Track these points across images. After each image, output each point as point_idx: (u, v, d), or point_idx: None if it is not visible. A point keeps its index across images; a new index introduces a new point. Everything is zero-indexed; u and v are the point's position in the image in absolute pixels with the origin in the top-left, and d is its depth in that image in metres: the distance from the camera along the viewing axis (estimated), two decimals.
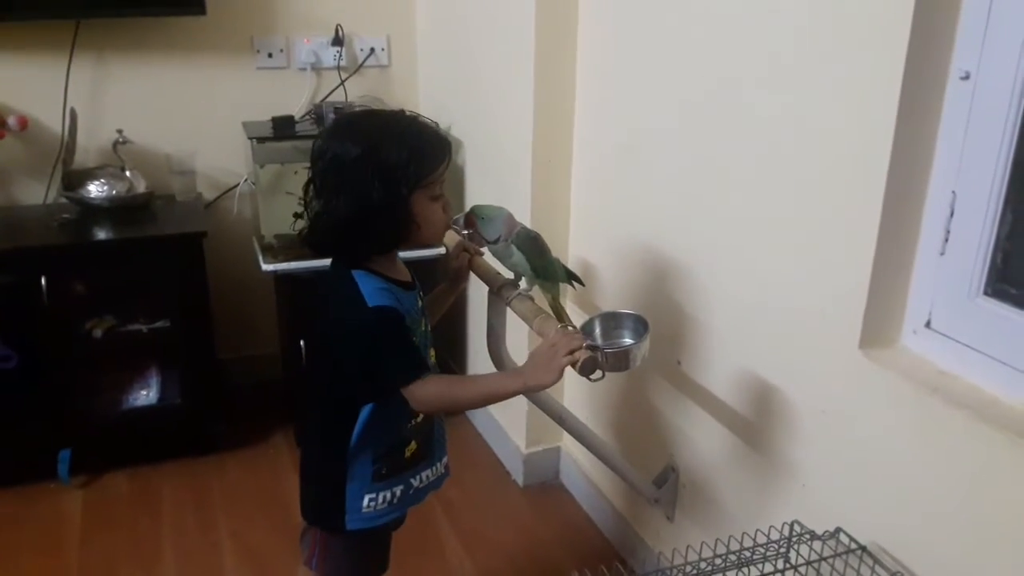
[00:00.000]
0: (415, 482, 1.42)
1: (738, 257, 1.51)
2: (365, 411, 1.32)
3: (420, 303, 1.38)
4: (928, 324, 1.23)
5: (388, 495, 1.38)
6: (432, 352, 1.42)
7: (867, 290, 1.24)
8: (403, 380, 1.25)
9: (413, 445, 1.39)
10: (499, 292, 1.56)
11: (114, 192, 2.39)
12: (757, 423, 1.52)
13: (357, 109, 1.35)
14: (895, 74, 1.14)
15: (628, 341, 1.37)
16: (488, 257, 1.57)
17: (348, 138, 1.25)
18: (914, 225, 1.22)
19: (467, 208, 1.55)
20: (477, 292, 2.49)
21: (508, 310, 1.58)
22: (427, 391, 1.26)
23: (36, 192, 2.48)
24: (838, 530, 1.30)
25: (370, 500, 1.36)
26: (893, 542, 1.24)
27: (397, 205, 1.24)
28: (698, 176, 1.60)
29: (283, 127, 2.43)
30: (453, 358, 2.76)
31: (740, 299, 1.52)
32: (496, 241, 1.47)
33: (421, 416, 1.38)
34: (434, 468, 1.46)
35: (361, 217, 1.24)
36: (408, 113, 1.33)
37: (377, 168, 1.23)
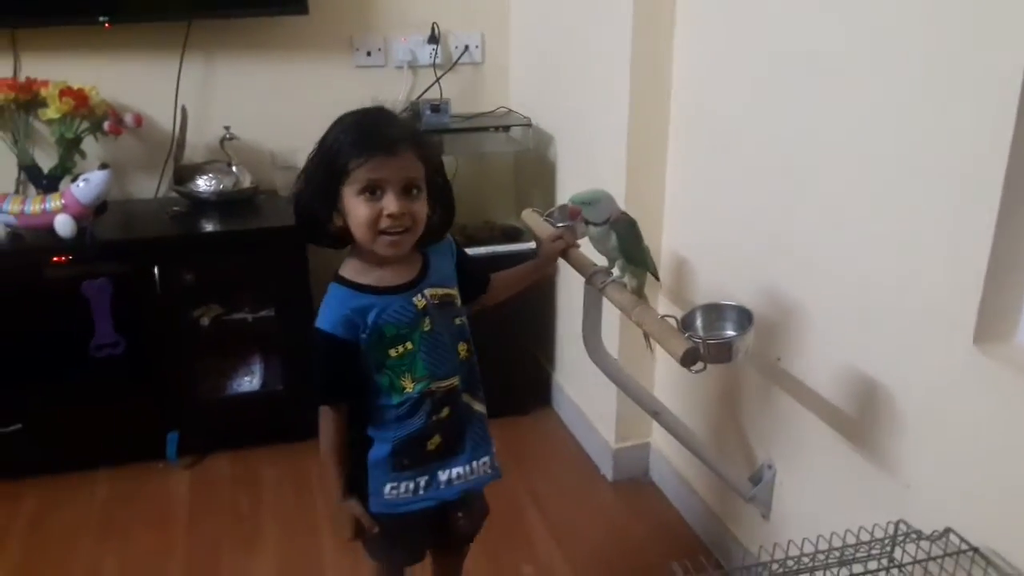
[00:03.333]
0: (443, 475, 1.40)
1: (843, 250, 1.48)
2: (379, 409, 1.36)
3: (420, 303, 1.34)
4: None
5: (411, 485, 1.39)
6: (463, 346, 1.40)
7: (983, 283, 1.20)
8: (316, 399, 1.36)
9: (437, 439, 1.38)
10: (591, 279, 1.57)
11: (221, 187, 2.49)
12: (860, 420, 1.49)
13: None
14: (1018, 57, 1.10)
15: (731, 333, 1.36)
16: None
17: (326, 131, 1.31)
18: None
19: (559, 202, 1.57)
20: (566, 282, 2.50)
21: (603, 301, 1.59)
22: (323, 419, 1.36)
23: (149, 186, 2.61)
24: (948, 530, 1.26)
25: (392, 488, 1.38)
26: (1008, 545, 1.20)
27: (322, 199, 1.28)
28: (800, 166, 1.57)
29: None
30: (541, 349, 2.77)
31: (845, 293, 1.49)
32: (604, 223, 1.48)
33: (446, 411, 1.37)
34: (470, 466, 1.43)
35: (299, 205, 1.31)
36: (384, 107, 1.35)
37: (317, 155, 1.29)
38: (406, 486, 1.39)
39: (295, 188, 1.32)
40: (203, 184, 2.48)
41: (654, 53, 1.95)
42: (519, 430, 2.59)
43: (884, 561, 1.30)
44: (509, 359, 2.59)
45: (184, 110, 2.50)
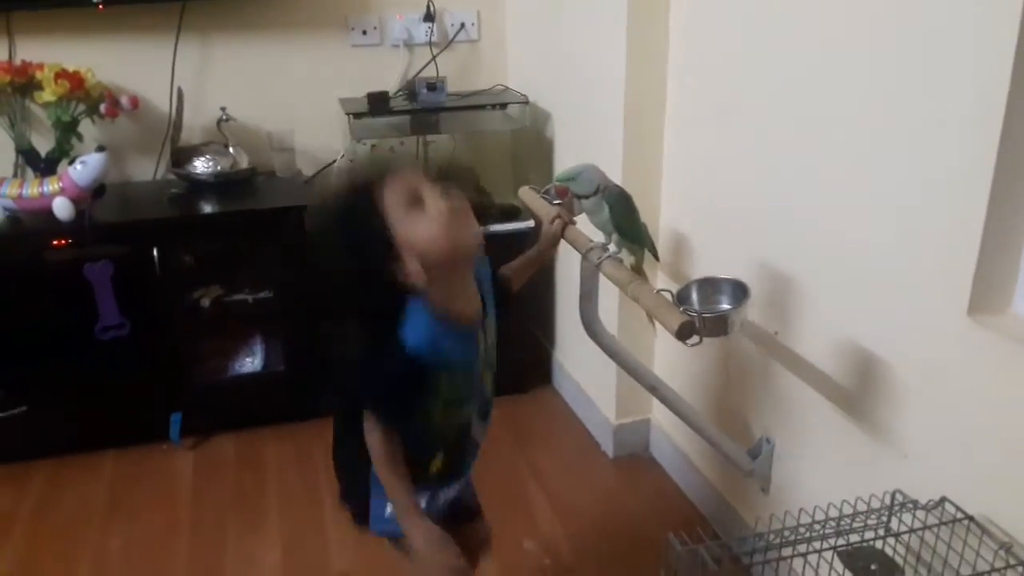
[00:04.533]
0: (442, 495, 1.38)
1: (839, 222, 1.48)
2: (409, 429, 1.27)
3: (483, 341, 1.29)
4: None
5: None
6: (488, 375, 1.35)
7: (977, 253, 1.20)
8: (378, 419, 1.22)
9: (439, 458, 1.33)
10: (587, 255, 1.57)
11: (219, 168, 2.49)
12: (857, 393, 1.49)
13: None
14: (1012, 24, 1.09)
15: (726, 306, 1.36)
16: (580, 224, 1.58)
17: None
18: None
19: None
20: (564, 259, 2.51)
21: (600, 277, 1.59)
22: (380, 445, 1.23)
23: (147, 168, 2.61)
24: (943, 499, 1.27)
25: (390, 509, 1.32)
26: (1002, 514, 1.21)
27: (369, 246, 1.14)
28: (797, 140, 1.57)
29: (378, 103, 2.48)
30: (541, 328, 2.78)
31: (840, 266, 1.49)
32: (594, 193, 1.48)
33: (454, 436, 1.33)
34: (461, 481, 1.43)
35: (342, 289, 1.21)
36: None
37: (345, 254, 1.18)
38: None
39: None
40: (200, 166, 2.48)
41: (650, 28, 1.94)
42: (520, 408, 2.60)
43: (881, 531, 1.31)
44: (509, 337, 2.56)
45: (180, 92, 2.49)
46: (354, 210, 1.16)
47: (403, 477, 1.25)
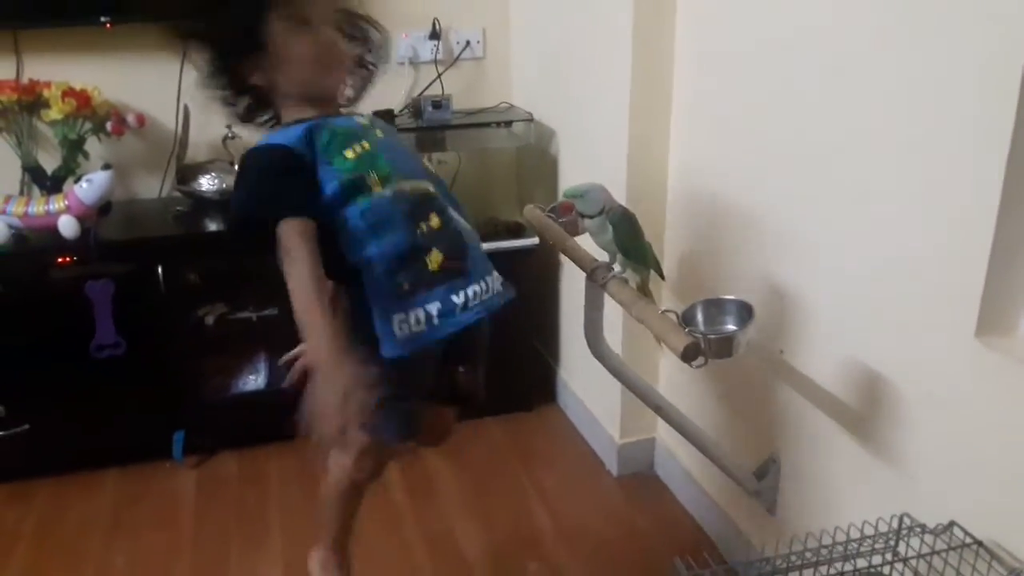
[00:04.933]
0: (456, 299, 1.27)
1: (846, 242, 1.48)
2: (350, 216, 1.22)
3: (363, 121, 1.33)
4: None
5: (422, 314, 1.24)
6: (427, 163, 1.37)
7: (984, 275, 1.19)
8: (269, 217, 1.17)
9: (436, 254, 1.25)
10: (592, 275, 1.57)
11: (224, 185, 2.49)
12: (864, 413, 1.48)
13: None
14: (1021, 46, 1.09)
15: (732, 327, 1.35)
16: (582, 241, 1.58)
17: None
18: None
19: (561, 197, 1.57)
20: (569, 278, 2.50)
21: (605, 297, 1.59)
22: (291, 248, 1.15)
23: (152, 186, 2.62)
24: (952, 524, 1.25)
25: (401, 321, 1.23)
26: (1012, 539, 1.19)
27: (247, 41, 1.20)
28: (803, 160, 1.57)
29: (383, 121, 2.48)
30: (545, 345, 2.77)
31: (847, 286, 1.48)
32: (599, 213, 1.48)
33: (435, 219, 1.26)
34: (482, 284, 1.32)
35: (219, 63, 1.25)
36: None
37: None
38: (416, 316, 1.24)
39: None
40: (206, 183, 2.48)
41: (655, 47, 1.94)
42: (524, 426, 2.59)
43: (888, 555, 1.30)
44: (513, 355, 2.59)
45: (187, 109, 2.50)
46: None
47: (322, 306, 1.18)
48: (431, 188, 1.31)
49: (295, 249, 1.16)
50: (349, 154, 1.23)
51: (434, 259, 1.25)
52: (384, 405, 1.19)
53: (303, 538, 2.09)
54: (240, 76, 1.27)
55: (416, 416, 1.40)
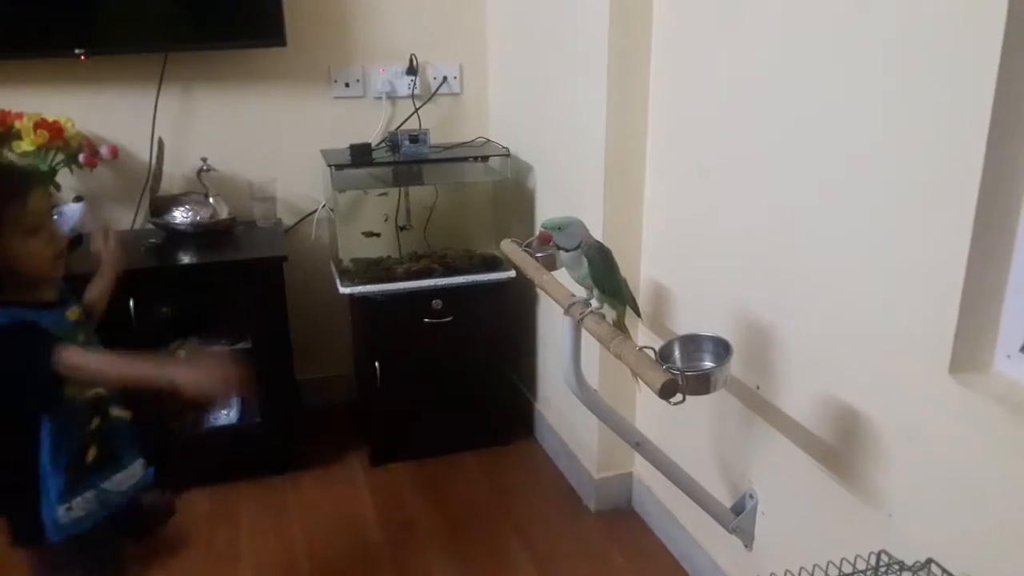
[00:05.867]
0: (109, 486, 1.48)
1: (820, 278, 1.49)
2: (47, 427, 1.39)
3: (73, 316, 1.47)
4: (1023, 348, 1.19)
5: (81, 501, 1.43)
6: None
7: (957, 313, 1.20)
8: (52, 370, 1.32)
9: (93, 450, 1.45)
10: (569, 310, 1.57)
11: (198, 218, 2.47)
12: (840, 450, 1.48)
13: None
14: (988, 87, 1.11)
15: (709, 364, 1.35)
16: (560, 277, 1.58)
17: None
18: (1007, 245, 1.18)
19: (538, 231, 1.57)
20: (547, 312, 2.50)
21: (583, 332, 1.58)
22: (71, 359, 1.33)
23: (125, 218, 2.59)
24: (929, 561, 1.25)
25: (66, 510, 1.41)
26: (989, 575, 1.20)
27: None
28: (778, 196, 1.58)
29: (360, 154, 2.49)
30: (523, 380, 2.76)
31: (823, 322, 1.49)
32: (575, 248, 1.48)
33: (96, 420, 1.45)
34: (129, 471, 1.53)
35: None
36: None
37: None
38: (77, 503, 1.42)
39: None
40: (180, 216, 2.47)
41: (631, 83, 1.97)
42: (502, 461, 2.57)
43: None
44: (491, 390, 2.58)
45: (161, 141, 2.48)
46: None
47: (111, 358, 1.40)
48: (103, 391, 1.49)
49: (94, 360, 1.40)
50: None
51: (91, 454, 1.45)
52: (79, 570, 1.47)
53: None
54: None
55: (117, 558, 1.57)
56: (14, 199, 1.35)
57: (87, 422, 1.45)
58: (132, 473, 1.54)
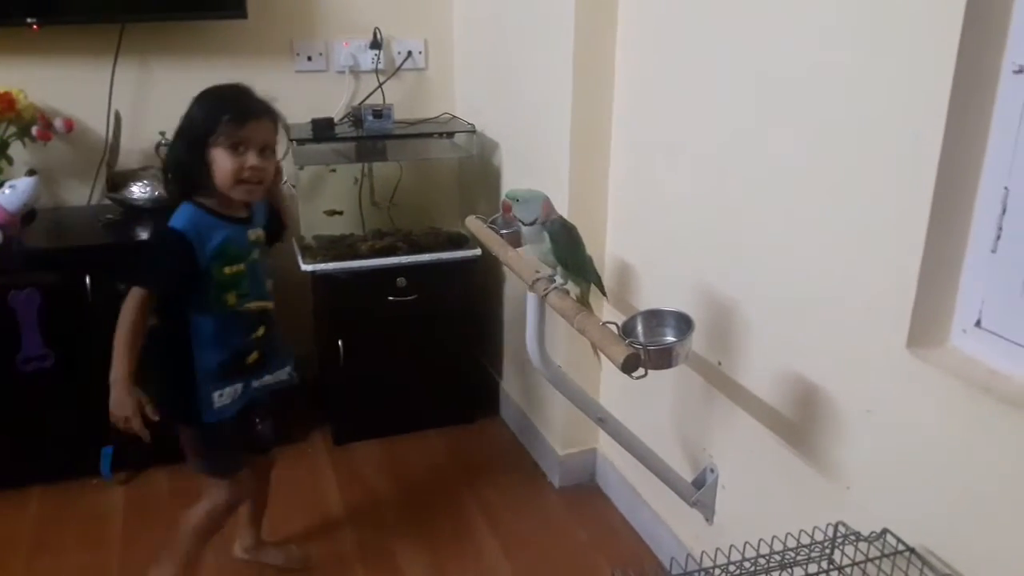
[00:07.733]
0: (255, 382, 1.71)
1: (781, 255, 1.50)
2: (207, 323, 1.60)
3: (252, 236, 1.65)
4: (979, 323, 1.21)
5: (230, 390, 1.65)
6: (269, 282, 1.73)
7: (915, 288, 1.22)
8: (138, 281, 1.56)
9: (255, 355, 1.68)
10: (533, 286, 1.56)
11: (156, 193, 2.41)
12: (799, 424, 1.51)
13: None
14: (946, 68, 1.12)
15: (671, 339, 1.36)
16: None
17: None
18: (964, 222, 1.20)
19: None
20: (512, 289, 2.50)
21: (547, 308, 1.58)
22: (131, 302, 1.55)
23: (81, 193, 2.53)
24: (885, 531, 1.28)
25: (219, 396, 1.63)
26: (943, 544, 1.22)
27: (193, 152, 1.55)
28: (741, 173, 1.59)
29: (323, 129, 2.45)
30: (488, 357, 2.76)
31: (783, 298, 1.51)
32: (532, 223, 1.48)
33: (262, 329, 1.68)
34: (276, 375, 1.76)
35: (172, 159, 1.61)
36: (240, 86, 1.63)
37: (185, 124, 1.59)
38: (228, 392, 1.64)
39: (170, 150, 1.63)
40: (138, 191, 2.41)
41: (596, 60, 1.96)
42: (466, 439, 2.57)
43: (824, 563, 1.32)
44: (455, 367, 2.57)
45: (118, 115, 2.42)
46: (211, 109, 1.57)
47: (136, 348, 1.56)
48: (270, 306, 1.73)
49: (132, 306, 1.57)
50: (227, 270, 1.60)
51: (252, 358, 1.69)
52: (220, 450, 1.72)
53: (236, 558, 2.04)
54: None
55: (239, 456, 1.78)
56: (234, 117, 1.52)
57: (254, 329, 1.67)
58: (278, 377, 1.77)
